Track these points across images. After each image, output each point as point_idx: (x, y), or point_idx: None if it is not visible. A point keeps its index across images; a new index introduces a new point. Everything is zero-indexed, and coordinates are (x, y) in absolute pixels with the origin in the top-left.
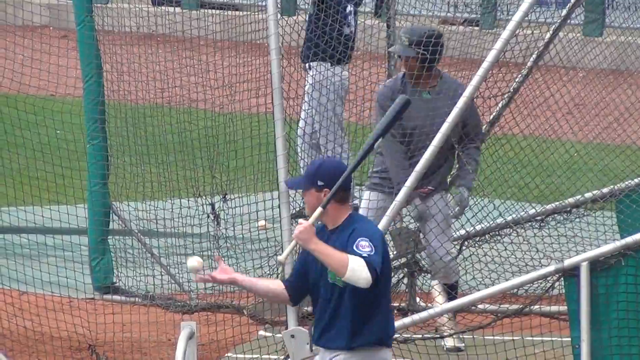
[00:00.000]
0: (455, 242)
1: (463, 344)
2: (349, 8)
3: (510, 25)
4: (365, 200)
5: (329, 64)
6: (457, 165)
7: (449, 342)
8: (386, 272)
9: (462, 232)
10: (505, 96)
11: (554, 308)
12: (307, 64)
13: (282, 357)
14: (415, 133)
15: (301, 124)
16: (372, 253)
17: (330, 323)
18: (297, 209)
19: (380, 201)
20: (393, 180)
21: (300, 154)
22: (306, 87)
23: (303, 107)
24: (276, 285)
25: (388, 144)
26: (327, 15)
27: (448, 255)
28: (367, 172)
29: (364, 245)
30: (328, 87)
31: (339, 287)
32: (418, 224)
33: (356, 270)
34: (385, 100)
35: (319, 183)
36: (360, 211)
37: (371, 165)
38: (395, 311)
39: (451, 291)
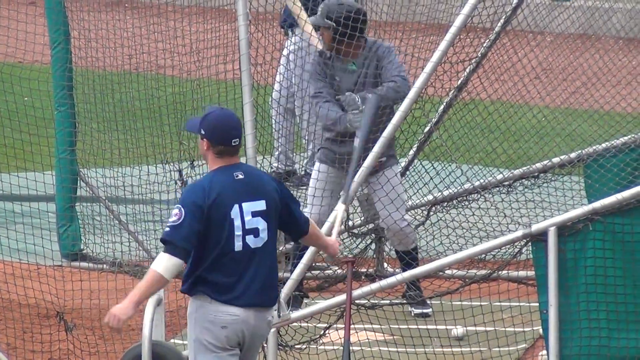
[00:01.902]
0: (423, 208)
1: (430, 309)
2: None
3: None
4: (315, 171)
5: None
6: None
7: (417, 308)
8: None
9: (430, 197)
10: (472, 61)
11: (522, 273)
12: (288, 29)
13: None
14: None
15: (276, 87)
16: (175, 222)
17: None
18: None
19: (330, 174)
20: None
21: (275, 118)
22: (284, 52)
23: (279, 71)
24: None
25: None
26: None
27: (402, 221)
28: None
29: (172, 214)
30: (310, 52)
31: None
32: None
33: (165, 268)
34: (319, 67)
35: (202, 132)
36: (311, 182)
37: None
38: (363, 277)
39: (406, 256)
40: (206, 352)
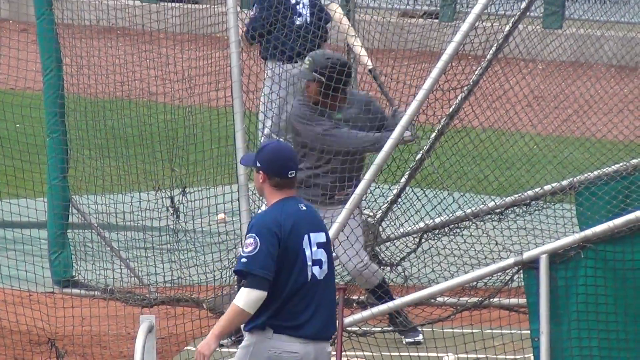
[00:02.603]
0: (415, 235)
1: (421, 336)
2: None
3: (470, 18)
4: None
5: (281, 61)
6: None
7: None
8: (273, 252)
9: (421, 224)
10: (464, 89)
11: (514, 301)
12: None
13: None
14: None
15: (260, 117)
16: (250, 253)
17: None
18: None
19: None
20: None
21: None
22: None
23: (262, 100)
24: None
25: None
26: (269, 8)
27: (362, 266)
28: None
29: (247, 244)
30: (280, 85)
31: None
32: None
33: (246, 302)
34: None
35: (258, 164)
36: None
37: None
38: (355, 304)
39: (378, 290)
40: None
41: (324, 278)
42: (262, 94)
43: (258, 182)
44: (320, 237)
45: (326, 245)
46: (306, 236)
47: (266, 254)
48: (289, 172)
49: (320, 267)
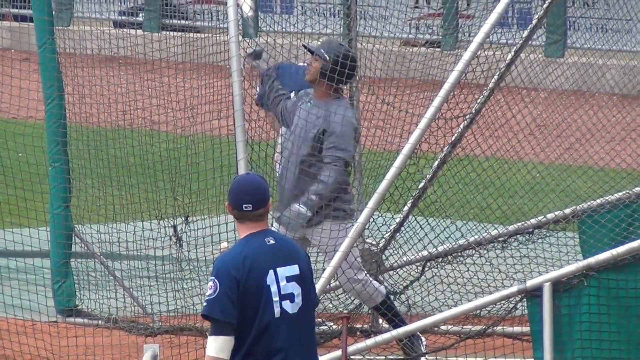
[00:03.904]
0: (418, 264)
1: None
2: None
3: (472, 47)
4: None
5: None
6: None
7: None
8: (231, 295)
9: (424, 253)
10: (466, 117)
11: (517, 329)
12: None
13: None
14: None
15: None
16: (211, 296)
17: None
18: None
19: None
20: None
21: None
22: None
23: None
24: None
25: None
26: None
27: (356, 282)
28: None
29: (208, 287)
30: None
31: None
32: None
33: (215, 349)
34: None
35: (228, 198)
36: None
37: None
38: (358, 333)
39: (387, 312)
40: None
41: (299, 311)
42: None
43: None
44: (292, 270)
45: (300, 278)
46: (271, 272)
47: (225, 297)
48: (244, 206)
49: (292, 301)
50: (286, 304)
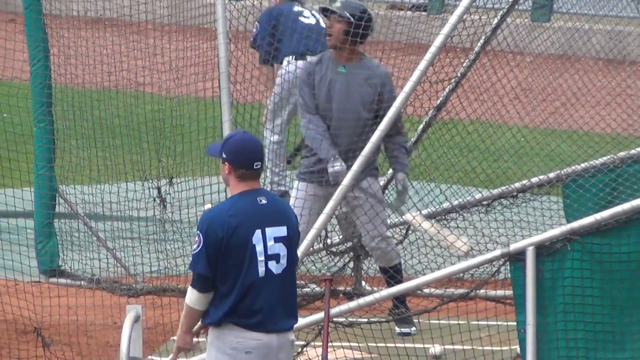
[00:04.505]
0: (401, 227)
1: (414, 329)
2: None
3: (458, 11)
4: (295, 189)
5: (290, 57)
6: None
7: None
8: (213, 252)
9: (409, 216)
10: (452, 81)
11: (500, 292)
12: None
13: None
14: (333, 108)
15: (270, 116)
16: (195, 250)
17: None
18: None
19: (308, 192)
20: (324, 156)
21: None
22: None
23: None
24: None
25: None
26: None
27: (383, 239)
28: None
29: (193, 241)
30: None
31: None
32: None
33: (191, 300)
34: (303, 74)
35: (223, 156)
36: (291, 200)
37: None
38: (341, 295)
39: (396, 275)
40: None
41: (283, 272)
42: (273, 94)
43: (224, 173)
44: (280, 231)
45: (287, 240)
46: (258, 231)
47: (206, 253)
48: (255, 164)
49: (278, 262)
50: (272, 264)
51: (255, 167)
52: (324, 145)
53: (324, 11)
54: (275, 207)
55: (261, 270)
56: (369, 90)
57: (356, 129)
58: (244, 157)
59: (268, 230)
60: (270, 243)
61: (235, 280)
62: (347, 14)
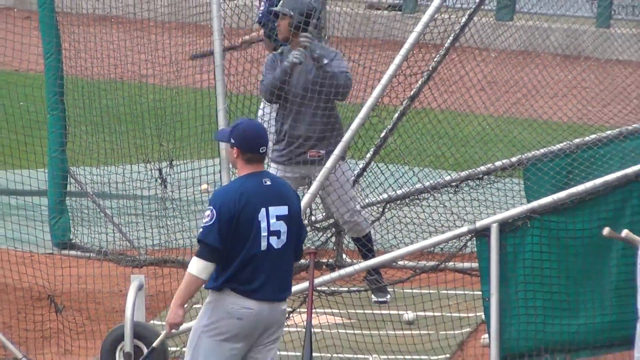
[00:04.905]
0: (378, 205)
1: (389, 296)
2: None
3: (430, 10)
4: (273, 170)
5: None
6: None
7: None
8: (225, 226)
9: (385, 196)
10: (424, 74)
11: (467, 265)
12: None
13: None
14: (291, 93)
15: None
16: (207, 223)
17: None
18: None
19: (280, 172)
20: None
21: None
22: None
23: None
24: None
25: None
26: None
27: (351, 214)
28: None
29: (205, 216)
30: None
31: None
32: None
33: (197, 270)
34: (269, 61)
35: (232, 140)
36: None
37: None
38: (324, 266)
39: (367, 243)
40: (213, 337)
41: (282, 247)
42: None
43: (232, 156)
44: (282, 210)
45: (289, 218)
46: (263, 209)
47: (218, 227)
48: (260, 148)
49: (279, 238)
50: (273, 240)
51: (261, 152)
52: (277, 70)
53: (273, 15)
54: (278, 188)
55: (263, 244)
56: (317, 73)
57: (313, 112)
58: (250, 143)
59: (271, 209)
60: (272, 220)
61: (240, 251)
62: (287, 10)
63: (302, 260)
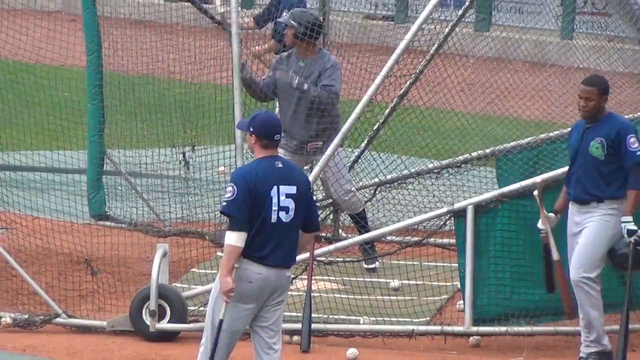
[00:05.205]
0: (370, 188)
1: (378, 264)
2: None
3: (418, 21)
4: None
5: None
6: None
7: (369, 264)
8: (245, 198)
9: (376, 180)
10: (412, 76)
11: (446, 240)
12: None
13: None
14: (288, 95)
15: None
16: (229, 198)
17: None
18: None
19: (287, 157)
20: (297, 137)
21: None
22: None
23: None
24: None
25: (284, 108)
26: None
27: (347, 193)
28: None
29: (227, 191)
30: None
31: None
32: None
33: (235, 239)
34: (274, 64)
35: (251, 129)
36: None
37: None
38: (323, 240)
39: (360, 220)
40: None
41: (290, 222)
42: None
43: (250, 142)
44: (290, 189)
45: (297, 197)
46: (275, 187)
47: (240, 199)
48: (275, 136)
49: (287, 213)
50: (282, 214)
51: (275, 139)
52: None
53: (277, 22)
54: (288, 170)
55: (274, 217)
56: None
57: (314, 112)
58: (266, 131)
59: (282, 187)
60: (282, 198)
61: (254, 222)
62: (292, 22)
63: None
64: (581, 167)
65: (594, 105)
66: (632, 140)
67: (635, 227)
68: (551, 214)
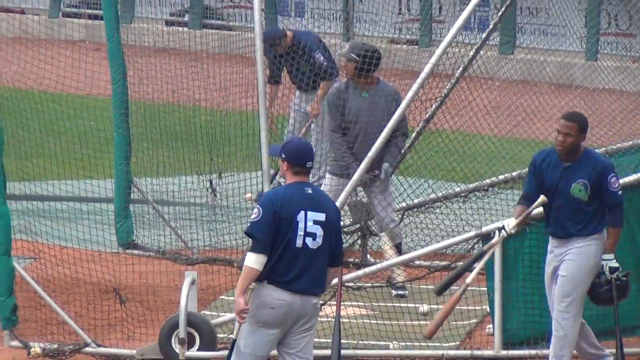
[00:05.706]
0: (398, 212)
1: (407, 291)
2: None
3: (443, 44)
4: (327, 183)
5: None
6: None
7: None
8: (270, 221)
9: (403, 204)
10: (438, 99)
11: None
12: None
13: None
14: (356, 124)
15: (291, 121)
16: (255, 219)
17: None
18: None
19: (336, 185)
20: (347, 165)
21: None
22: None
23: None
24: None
25: (334, 139)
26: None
27: (393, 222)
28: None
29: (253, 213)
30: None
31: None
32: (367, 199)
33: (254, 262)
34: (334, 98)
35: (283, 155)
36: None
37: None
38: (351, 265)
39: (396, 250)
40: (251, 323)
41: (317, 248)
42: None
43: (282, 169)
44: (320, 216)
45: (324, 224)
46: (302, 212)
47: (265, 222)
48: (307, 163)
49: (314, 239)
50: (308, 240)
51: (307, 166)
52: (347, 159)
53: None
54: (318, 197)
55: (299, 242)
56: (390, 105)
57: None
58: (298, 158)
59: (310, 213)
60: (309, 223)
61: (279, 245)
62: (354, 56)
63: None
64: (561, 208)
65: (572, 142)
66: (612, 180)
67: (617, 265)
68: None
